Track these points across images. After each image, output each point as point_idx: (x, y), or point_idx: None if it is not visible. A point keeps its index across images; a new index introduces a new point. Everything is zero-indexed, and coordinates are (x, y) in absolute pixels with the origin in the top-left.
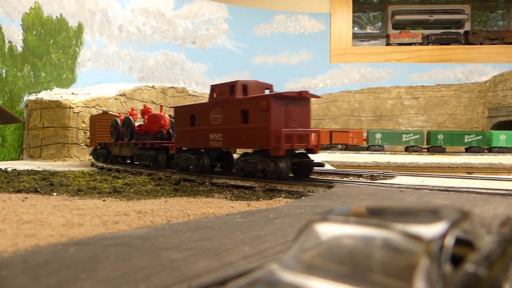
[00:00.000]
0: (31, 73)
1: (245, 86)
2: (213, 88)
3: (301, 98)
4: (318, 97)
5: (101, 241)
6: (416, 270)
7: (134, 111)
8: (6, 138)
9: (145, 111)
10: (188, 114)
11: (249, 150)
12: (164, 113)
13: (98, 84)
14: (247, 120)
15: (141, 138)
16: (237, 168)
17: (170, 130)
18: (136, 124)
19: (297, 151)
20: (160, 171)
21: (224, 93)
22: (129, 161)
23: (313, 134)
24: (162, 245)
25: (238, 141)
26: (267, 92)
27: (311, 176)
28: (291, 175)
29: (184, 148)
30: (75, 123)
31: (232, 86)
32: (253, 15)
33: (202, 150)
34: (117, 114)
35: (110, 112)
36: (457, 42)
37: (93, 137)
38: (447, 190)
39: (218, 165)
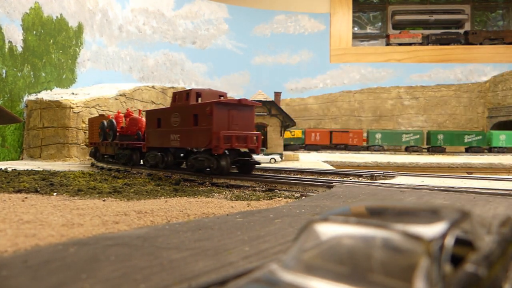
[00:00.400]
0: (31, 73)
1: (198, 94)
2: (174, 94)
3: (243, 105)
4: (259, 104)
5: (101, 241)
6: (416, 270)
7: (120, 114)
8: (6, 138)
9: (127, 114)
10: (156, 117)
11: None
12: (142, 117)
13: (98, 84)
14: (197, 123)
15: (124, 139)
16: (189, 164)
17: None
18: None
19: (242, 151)
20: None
21: (181, 99)
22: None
23: (254, 137)
24: (162, 245)
25: (190, 141)
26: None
27: (311, 177)
28: (236, 171)
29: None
30: (75, 123)
31: (187, 93)
32: (253, 15)
33: (171, 149)
34: (107, 117)
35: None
36: (457, 42)
37: (91, 137)
38: (447, 190)
39: (184, 162)
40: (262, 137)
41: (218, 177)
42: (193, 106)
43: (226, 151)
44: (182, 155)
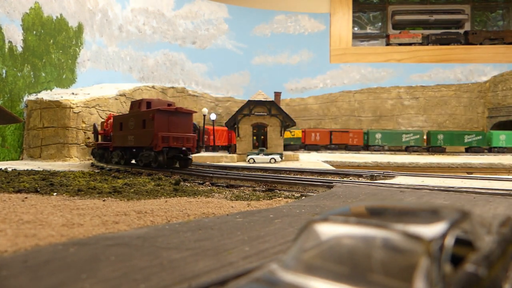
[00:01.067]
0: (31, 73)
1: (149, 103)
2: (132, 103)
3: (181, 112)
4: (194, 112)
5: (101, 241)
6: (416, 270)
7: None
8: (6, 138)
9: (109, 117)
10: (119, 122)
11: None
12: None
13: (98, 84)
14: (145, 126)
15: (105, 140)
16: (139, 159)
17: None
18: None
19: (183, 149)
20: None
21: (135, 107)
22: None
23: (190, 138)
24: (162, 245)
25: (141, 141)
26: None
27: (311, 177)
28: (177, 165)
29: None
30: (75, 123)
31: (139, 102)
32: (253, 15)
33: (132, 148)
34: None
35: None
36: (457, 42)
37: None
38: (447, 190)
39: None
40: (262, 137)
41: (218, 177)
42: (142, 112)
43: (166, 149)
44: (141, 154)
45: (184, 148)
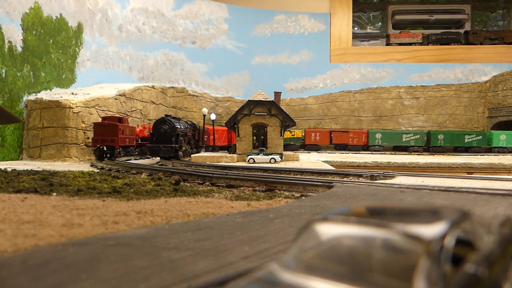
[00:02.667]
0: (31, 73)
1: (105, 118)
2: (102, 117)
3: (108, 124)
4: (116, 124)
5: (101, 241)
6: (416, 270)
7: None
8: (6, 138)
9: (143, 127)
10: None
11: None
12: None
13: (98, 84)
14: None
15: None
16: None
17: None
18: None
19: (110, 146)
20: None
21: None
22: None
23: (116, 139)
24: (162, 245)
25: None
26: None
27: (311, 177)
28: (107, 157)
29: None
30: (75, 123)
31: (103, 117)
32: (253, 15)
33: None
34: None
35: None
36: (457, 42)
37: None
38: (447, 190)
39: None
40: (262, 137)
41: (218, 178)
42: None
43: (99, 146)
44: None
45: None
